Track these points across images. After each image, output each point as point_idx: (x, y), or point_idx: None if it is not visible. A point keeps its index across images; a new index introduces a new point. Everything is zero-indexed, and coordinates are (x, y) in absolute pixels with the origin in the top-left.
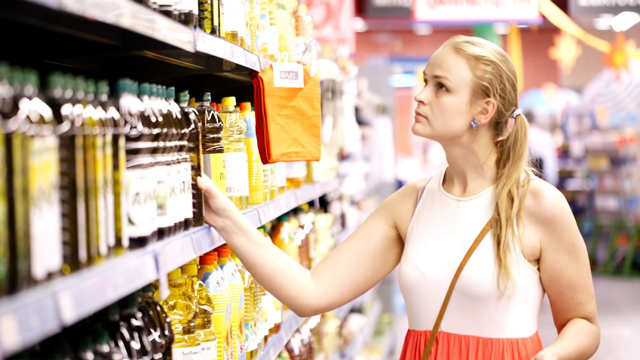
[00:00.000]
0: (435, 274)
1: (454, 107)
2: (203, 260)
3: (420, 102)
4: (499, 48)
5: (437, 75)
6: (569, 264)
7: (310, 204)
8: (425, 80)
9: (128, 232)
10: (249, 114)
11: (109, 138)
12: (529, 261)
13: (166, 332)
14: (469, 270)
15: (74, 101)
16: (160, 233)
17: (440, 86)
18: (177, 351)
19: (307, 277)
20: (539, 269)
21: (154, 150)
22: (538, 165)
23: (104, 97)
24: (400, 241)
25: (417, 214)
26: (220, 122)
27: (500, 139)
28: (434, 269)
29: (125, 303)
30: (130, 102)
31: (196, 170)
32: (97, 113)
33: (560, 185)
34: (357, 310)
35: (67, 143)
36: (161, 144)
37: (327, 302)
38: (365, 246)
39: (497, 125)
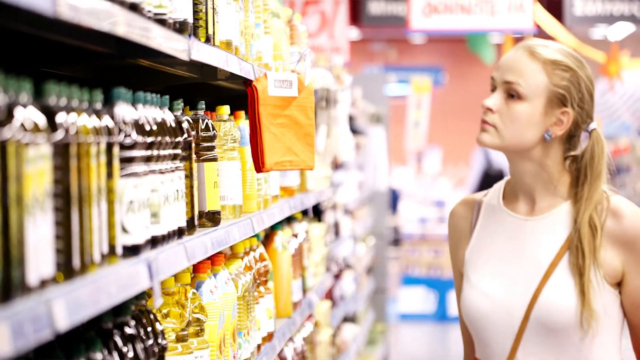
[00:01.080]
0: (507, 301)
1: (526, 116)
2: (196, 268)
3: (489, 109)
4: (575, 53)
5: (508, 81)
6: None
7: (304, 212)
8: (494, 87)
9: (122, 241)
10: (243, 123)
11: (103, 146)
12: (610, 285)
13: (159, 341)
14: (547, 297)
15: (68, 109)
16: (154, 241)
17: (511, 93)
18: (170, 359)
19: None
20: (620, 292)
21: (147, 159)
22: None
23: (98, 105)
24: None
25: (477, 234)
26: (214, 131)
27: (572, 154)
28: (506, 296)
29: (118, 311)
30: (124, 110)
31: (190, 178)
32: (91, 121)
33: None
34: (350, 319)
35: (62, 151)
36: (155, 152)
37: None
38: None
39: (570, 139)
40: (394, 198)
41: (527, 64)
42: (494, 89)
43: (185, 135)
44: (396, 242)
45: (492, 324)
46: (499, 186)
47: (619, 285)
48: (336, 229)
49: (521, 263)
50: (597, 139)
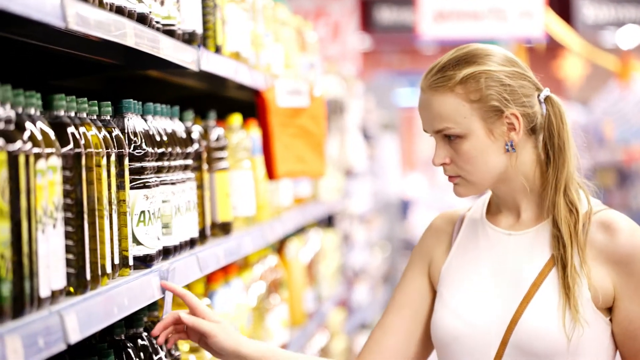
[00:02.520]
0: (483, 324)
1: (476, 149)
2: (209, 279)
3: (442, 164)
4: (474, 45)
5: (438, 130)
6: None
7: (318, 222)
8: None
9: (133, 252)
10: (255, 132)
11: (113, 158)
12: (599, 309)
13: (172, 352)
14: (528, 320)
15: (78, 121)
16: (166, 252)
17: (448, 136)
18: None
19: None
20: (611, 320)
21: (158, 170)
22: None
23: (108, 117)
24: None
25: (455, 250)
26: (225, 141)
27: (540, 138)
28: (482, 318)
29: (131, 323)
30: (134, 121)
31: (201, 189)
32: (101, 133)
33: None
34: (366, 327)
35: (72, 163)
36: (166, 163)
37: None
38: (409, 318)
39: (534, 126)
40: (404, 207)
41: (440, 102)
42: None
43: (196, 146)
44: (409, 250)
45: (465, 349)
46: (483, 199)
47: (609, 311)
48: (350, 238)
49: (501, 282)
50: (551, 107)
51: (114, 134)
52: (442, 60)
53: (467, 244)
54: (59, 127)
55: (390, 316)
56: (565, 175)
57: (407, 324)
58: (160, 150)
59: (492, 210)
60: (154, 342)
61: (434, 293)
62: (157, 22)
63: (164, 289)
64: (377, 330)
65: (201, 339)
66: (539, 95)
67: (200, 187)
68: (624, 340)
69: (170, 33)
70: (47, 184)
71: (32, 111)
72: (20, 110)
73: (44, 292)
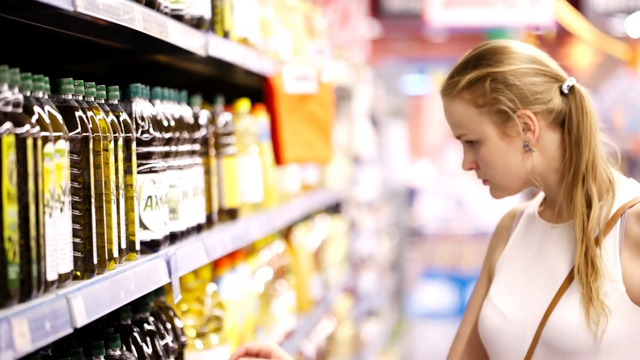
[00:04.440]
0: (519, 320)
1: (494, 153)
2: (216, 264)
3: (470, 169)
4: (486, 45)
5: (458, 136)
6: None
7: (325, 209)
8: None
9: (140, 236)
10: (263, 118)
11: (120, 142)
12: (637, 304)
13: (179, 337)
14: (557, 316)
15: (86, 105)
16: (173, 237)
17: (470, 142)
18: (189, 356)
19: None
20: None
21: (166, 155)
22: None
23: (115, 102)
24: None
25: (510, 245)
26: (233, 126)
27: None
28: (518, 314)
29: (137, 307)
30: (142, 106)
31: (209, 174)
32: (109, 117)
33: None
34: (373, 314)
35: (79, 147)
36: (173, 148)
37: None
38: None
39: (558, 119)
40: (412, 194)
41: (452, 109)
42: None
43: (204, 131)
44: (417, 238)
45: (502, 343)
46: (541, 194)
47: None
48: (357, 225)
49: (541, 276)
50: (573, 100)
51: (121, 119)
52: (455, 64)
53: (520, 238)
54: (67, 111)
55: (463, 324)
56: (583, 169)
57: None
58: (167, 135)
59: (544, 204)
60: (161, 327)
61: None
62: (166, 7)
63: (170, 273)
64: (455, 340)
65: None
66: (561, 87)
67: (207, 172)
68: None
69: (178, 18)
70: (55, 167)
71: (40, 95)
72: (28, 93)
73: (51, 275)
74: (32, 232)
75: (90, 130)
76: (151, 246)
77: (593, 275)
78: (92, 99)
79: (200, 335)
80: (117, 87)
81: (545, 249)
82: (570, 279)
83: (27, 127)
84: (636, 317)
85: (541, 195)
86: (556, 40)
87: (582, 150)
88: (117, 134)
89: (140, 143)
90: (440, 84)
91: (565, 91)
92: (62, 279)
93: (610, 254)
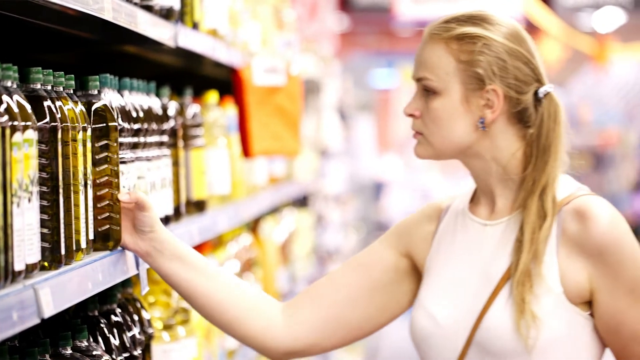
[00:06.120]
0: (451, 324)
1: (445, 111)
2: None
3: (410, 115)
4: (488, 13)
5: (419, 78)
6: (631, 307)
7: (292, 202)
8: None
9: None
10: (231, 110)
11: (89, 132)
12: (576, 305)
13: (146, 329)
14: (490, 319)
15: (54, 95)
16: None
17: (427, 90)
18: (156, 348)
19: (275, 311)
20: (592, 315)
21: (134, 146)
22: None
23: (84, 92)
24: (416, 275)
25: (437, 242)
26: (201, 118)
27: (531, 132)
28: (450, 318)
29: (104, 299)
30: (110, 97)
31: (177, 166)
32: (77, 107)
33: None
34: None
35: (48, 137)
36: (142, 139)
37: (304, 345)
38: (362, 278)
39: (521, 115)
40: (379, 188)
41: (431, 50)
42: None
43: (172, 123)
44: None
45: (434, 346)
46: (470, 188)
47: (589, 306)
48: (324, 218)
49: (474, 278)
50: (549, 105)
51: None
52: (454, 13)
53: (450, 236)
54: (36, 100)
55: (341, 270)
56: (546, 178)
57: (355, 284)
58: (136, 126)
59: (475, 200)
60: (128, 318)
61: (396, 273)
62: None
63: (137, 264)
64: (323, 278)
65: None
66: (538, 89)
67: (175, 164)
68: (608, 336)
69: (148, 8)
70: (23, 157)
71: (8, 84)
72: None
73: (19, 265)
74: (0, 222)
75: (58, 120)
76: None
77: (528, 286)
78: (61, 88)
79: (167, 327)
80: (86, 77)
81: (479, 248)
82: (506, 278)
83: None
84: (574, 318)
85: (469, 191)
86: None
87: (549, 159)
88: (85, 124)
89: None
90: (430, 25)
91: (541, 95)
92: (30, 269)
93: (547, 255)
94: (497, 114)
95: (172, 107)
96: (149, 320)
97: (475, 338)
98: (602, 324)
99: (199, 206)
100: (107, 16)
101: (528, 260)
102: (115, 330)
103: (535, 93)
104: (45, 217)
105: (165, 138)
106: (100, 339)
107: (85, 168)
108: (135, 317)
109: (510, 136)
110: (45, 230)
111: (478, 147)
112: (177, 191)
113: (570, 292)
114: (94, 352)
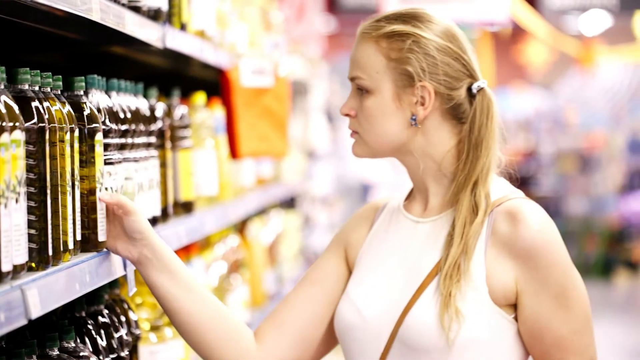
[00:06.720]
0: (375, 317)
1: (377, 110)
2: None
3: (346, 115)
4: (423, 9)
5: (352, 77)
6: (556, 313)
7: (279, 203)
8: None
9: None
10: (219, 111)
11: (77, 133)
12: (500, 307)
13: (133, 330)
14: (414, 315)
15: (42, 96)
16: None
17: (360, 89)
18: (144, 349)
19: (251, 337)
20: (516, 319)
21: (122, 147)
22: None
23: (72, 93)
24: None
25: (370, 239)
26: (189, 119)
27: (465, 129)
28: (374, 310)
29: (92, 300)
30: (98, 97)
31: (164, 167)
32: (65, 108)
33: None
34: None
35: (35, 137)
36: (129, 140)
37: None
38: (317, 293)
39: (455, 111)
40: (366, 190)
41: (362, 50)
42: None
43: (160, 124)
44: None
45: (358, 339)
46: (408, 187)
47: (514, 309)
48: (311, 220)
49: (402, 273)
50: (481, 100)
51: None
52: (387, 12)
53: (382, 232)
54: (23, 101)
55: (297, 291)
56: (477, 173)
57: (313, 303)
58: (123, 127)
59: (410, 197)
60: (115, 319)
61: (345, 280)
62: None
63: (125, 265)
64: (282, 303)
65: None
66: (471, 84)
67: (163, 165)
68: (531, 341)
69: (135, 9)
70: (11, 157)
71: None
72: None
73: (6, 266)
74: None
75: (46, 121)
76: None
77: (456, 280)
78: (49, 89)
79: (155, 328)
80: (74, 78)
81: (408, 244)
82: (434, 273)
83: None
84: (497, 319)
85: (406, 189)
86: (511, 37)
87: (481, 153)
88: (73, 125)
89: None
90: (361, 25)
91: (474, 91)
92: (17, 270)
93: (476, 254)
94: (429, 110)
95: (160, 108)
96: (136, 322)
97: (398, 333)
98: (525, 329)
99: (186, 207)
100: (95, 17)
101: (457, 254)
102: (102, 332)
103: (469, 89)
104: (32, 218)
105: (152, 139)
106: (87, 340)
107: (72, 169)
108: (123, 318)
109: (445, 132)
110: (32, 231)
111: (412, 145)
112: (164, 192)
113: (495, 292)
114: (81, 353)
